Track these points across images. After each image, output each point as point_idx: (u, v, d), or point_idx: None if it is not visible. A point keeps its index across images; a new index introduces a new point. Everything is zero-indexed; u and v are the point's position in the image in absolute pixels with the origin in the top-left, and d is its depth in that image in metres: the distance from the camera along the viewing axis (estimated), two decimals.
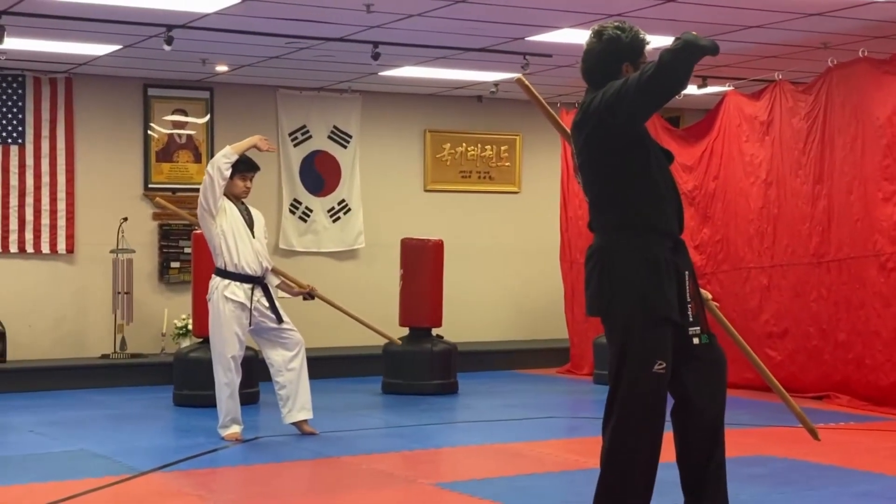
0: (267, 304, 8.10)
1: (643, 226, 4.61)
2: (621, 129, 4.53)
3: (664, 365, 4.56)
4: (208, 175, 7.95)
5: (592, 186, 4.69)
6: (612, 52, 4.67)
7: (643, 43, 4.74)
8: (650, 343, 4.57)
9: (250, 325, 8.06)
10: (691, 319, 4.72)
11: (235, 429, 8.13)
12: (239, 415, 8.18)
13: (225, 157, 7.94)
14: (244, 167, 8.14)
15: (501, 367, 12.88)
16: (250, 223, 8.17)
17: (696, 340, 4.73)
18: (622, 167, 4.61)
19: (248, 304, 8.01)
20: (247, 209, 8.20)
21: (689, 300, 4.69)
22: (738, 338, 5.35)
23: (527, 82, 5.07)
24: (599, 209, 4.67)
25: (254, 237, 8.11)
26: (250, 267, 8.04)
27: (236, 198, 8.16)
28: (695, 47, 4.24)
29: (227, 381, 8.08)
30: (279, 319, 8.12)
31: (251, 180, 8.22)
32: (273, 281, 8.29)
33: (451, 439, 8.65)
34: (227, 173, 7.94)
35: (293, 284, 8.54)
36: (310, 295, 8.61)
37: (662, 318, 4.59)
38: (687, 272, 4.72)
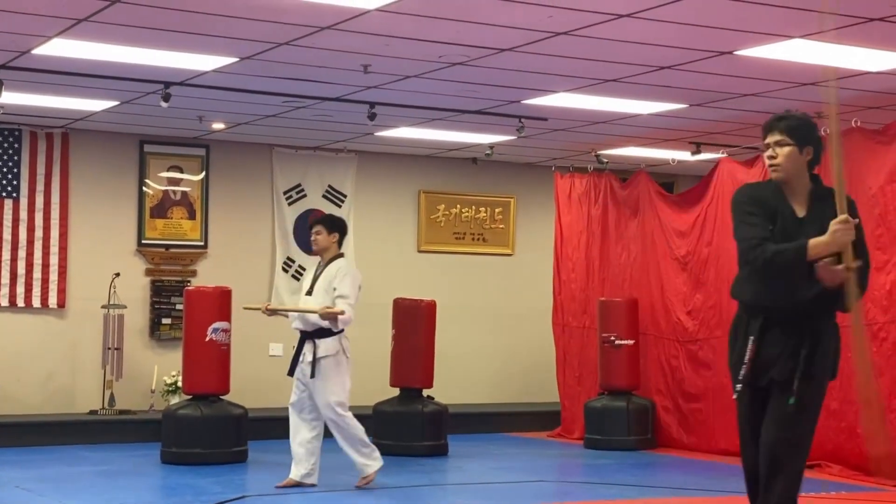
0: (309, 359, 8.36)
1: None
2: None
3: None
4: None
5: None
6: None
7: None
8: None
9: (290, 374, 8.45)
10: None
11: (290, 476, 8.49)
12: (301, 459, 8.47)
13: None
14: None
15: (492, 430, 12.81)
16: (316, 280, 8.48)
17: None
18: None
19: (298, 356, 8.41)
20: (326, 264, 8.47)
21: None
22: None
23: None
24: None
25: (311, 294, 8.45)
26: (299, 323, 8.40)
27: (319, 254, 8.59)
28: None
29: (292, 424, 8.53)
30: (312, 374, 8.35)
31: (317, 233, 8.51)
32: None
33: (441, 501, 8.58)
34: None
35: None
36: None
37: None
38: None
